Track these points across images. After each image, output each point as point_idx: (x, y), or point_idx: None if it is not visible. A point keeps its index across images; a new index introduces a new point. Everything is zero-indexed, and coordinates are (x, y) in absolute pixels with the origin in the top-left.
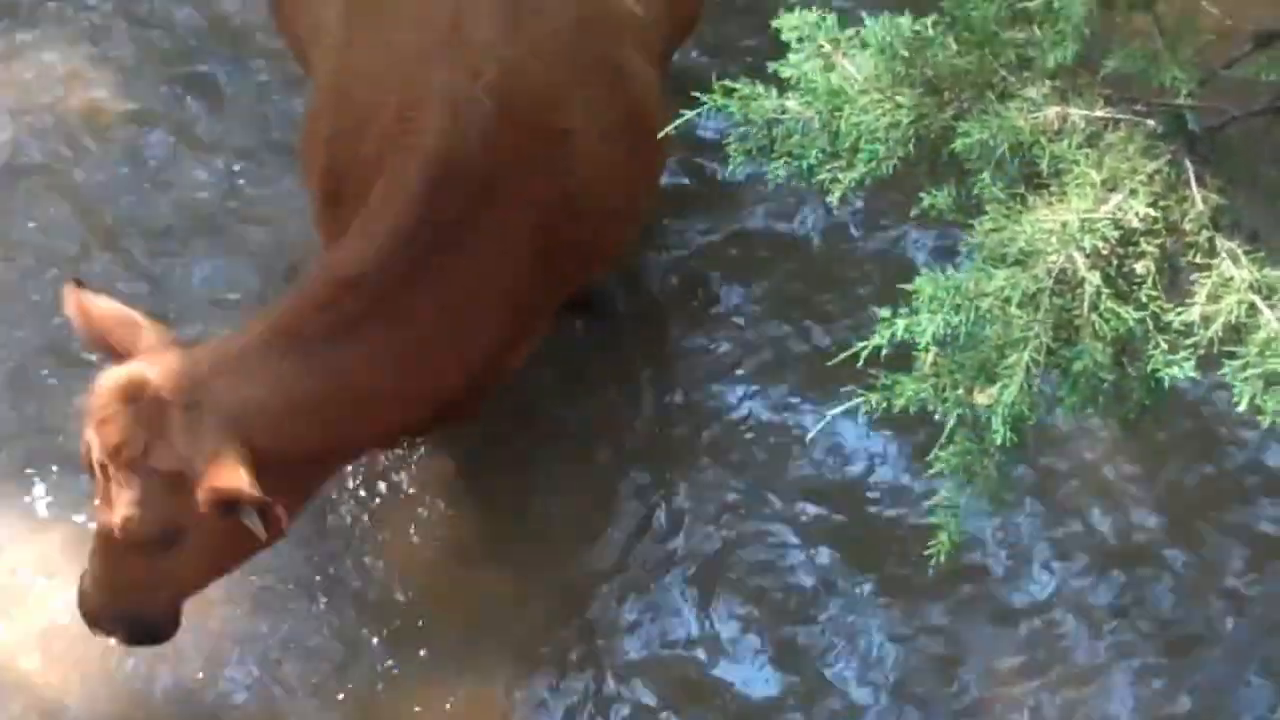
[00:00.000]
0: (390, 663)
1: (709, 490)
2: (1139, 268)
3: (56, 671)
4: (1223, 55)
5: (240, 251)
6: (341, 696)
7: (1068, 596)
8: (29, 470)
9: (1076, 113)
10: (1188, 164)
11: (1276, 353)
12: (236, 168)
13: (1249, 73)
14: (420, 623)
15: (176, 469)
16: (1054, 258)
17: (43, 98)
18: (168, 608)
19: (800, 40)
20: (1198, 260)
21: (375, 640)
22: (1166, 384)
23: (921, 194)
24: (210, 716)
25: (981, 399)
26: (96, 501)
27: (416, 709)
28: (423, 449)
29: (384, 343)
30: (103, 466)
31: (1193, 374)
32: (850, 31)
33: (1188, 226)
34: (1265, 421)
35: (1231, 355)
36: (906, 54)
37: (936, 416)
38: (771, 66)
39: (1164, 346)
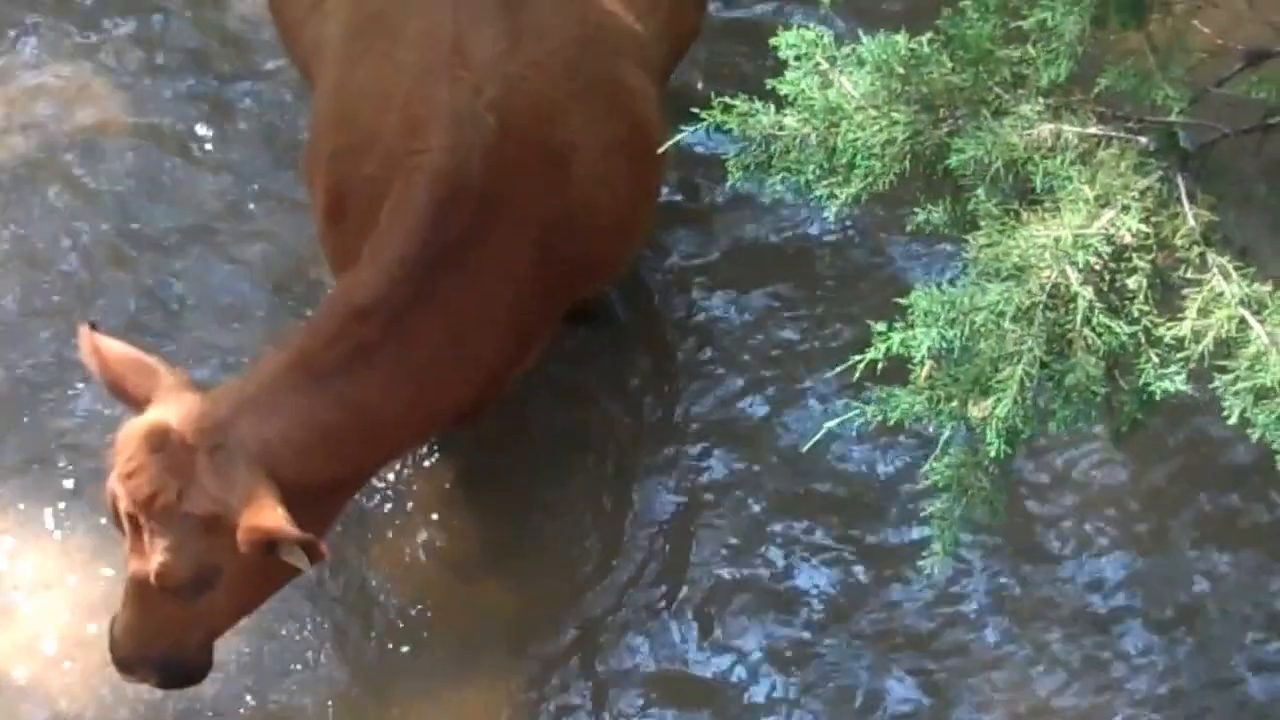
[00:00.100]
0: (389, 674)
1: (708, 501)
2: (1131, 283)
3: (64, 679)
4: (1214, 74)
5: (242, 264)
6: (341, 708)
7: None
8: (33, 476)
9: (1070, 130)
10: (1179, 181)
11: (1266, 367)
12: (241, 182)
13: (1239, 91)
14: (419, 634)
15: (212, 512)
16: (1047, 273)
17: (53, 111)
18: (202, 649)
19: (798, 58)
20: (1189, 276)
21: (375, 652)
22: (1158, 397)
23: (917, 209)
24: None
25: (976, 412)
26: (127, 552)
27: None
28: (423, 462)
29: (396, 367)
30: (131, 517)
31: (1184, 387)
32: (847, 49)
33: (1179, 242)
34: (1255, 435)
35: (1222, 369)
36: (902, 71)
37: (931, 429)
38: (769, 83)
39: (1155, 360)
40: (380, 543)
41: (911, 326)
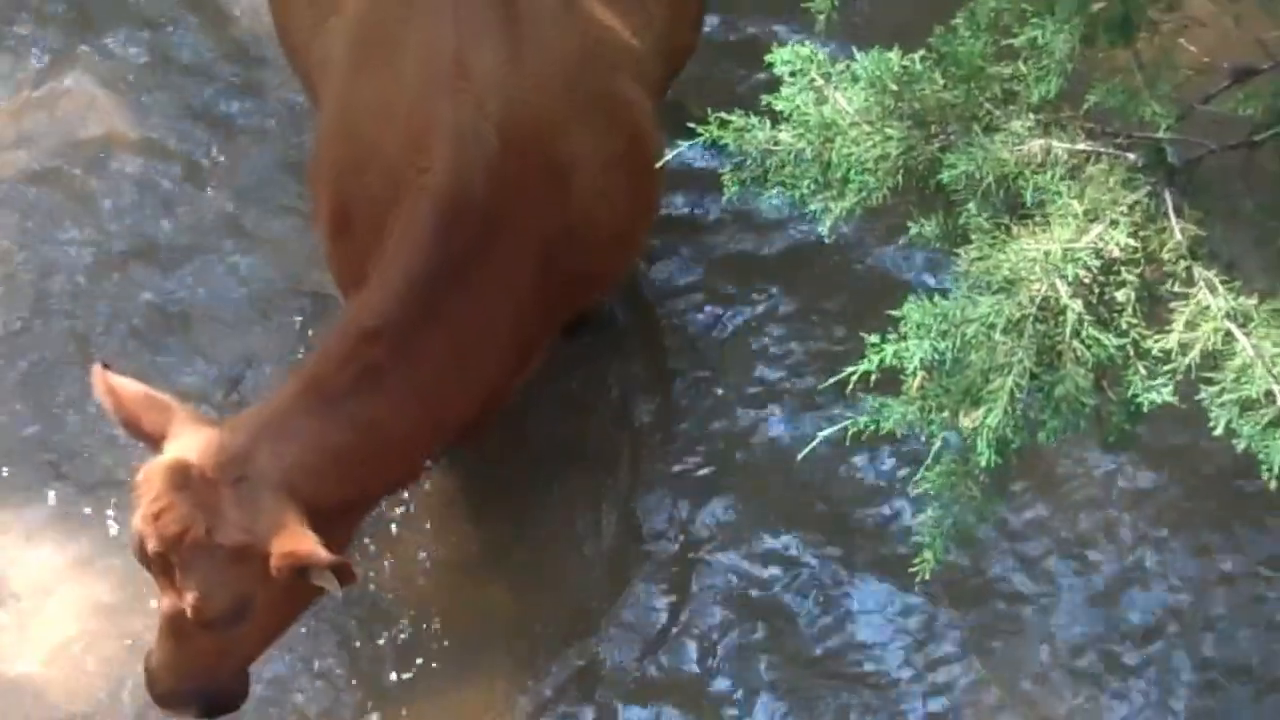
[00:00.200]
0: (395, 677)
1: (707, 509)
2: (1119, 296)
3: (69, 681)
4: (1201, 91)
5: (244, 275)
6: (343, 711)
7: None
8: (42, 482)
9: (1059, 146)
10: (1167, 196)
11: (1251, 379)
12: (244, 195)
13: (1226, 108)
14: (423, 637)
15: (242, 542)
16: (1037, 286)
17: (59, 124)
18: (239, 675)
19: (793, 74)
20: (1176, 289)
21: (377, 657)
22: (1145, 408)
23: (910, 223)
24: None
25: (967, 422)
26: (158, 593)
27: None
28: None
29: (404, 386)
30: (160, 556)
31: (1170, 399)
32: (841, 66)
33: (1166, 256)
34: (1241, 445)
35: (1209, 381)
36: (895, 88)
37: (923, 439)
38: (765, 99)
39: (1143, 372)
40: (383, 548)
41: (904, 338)
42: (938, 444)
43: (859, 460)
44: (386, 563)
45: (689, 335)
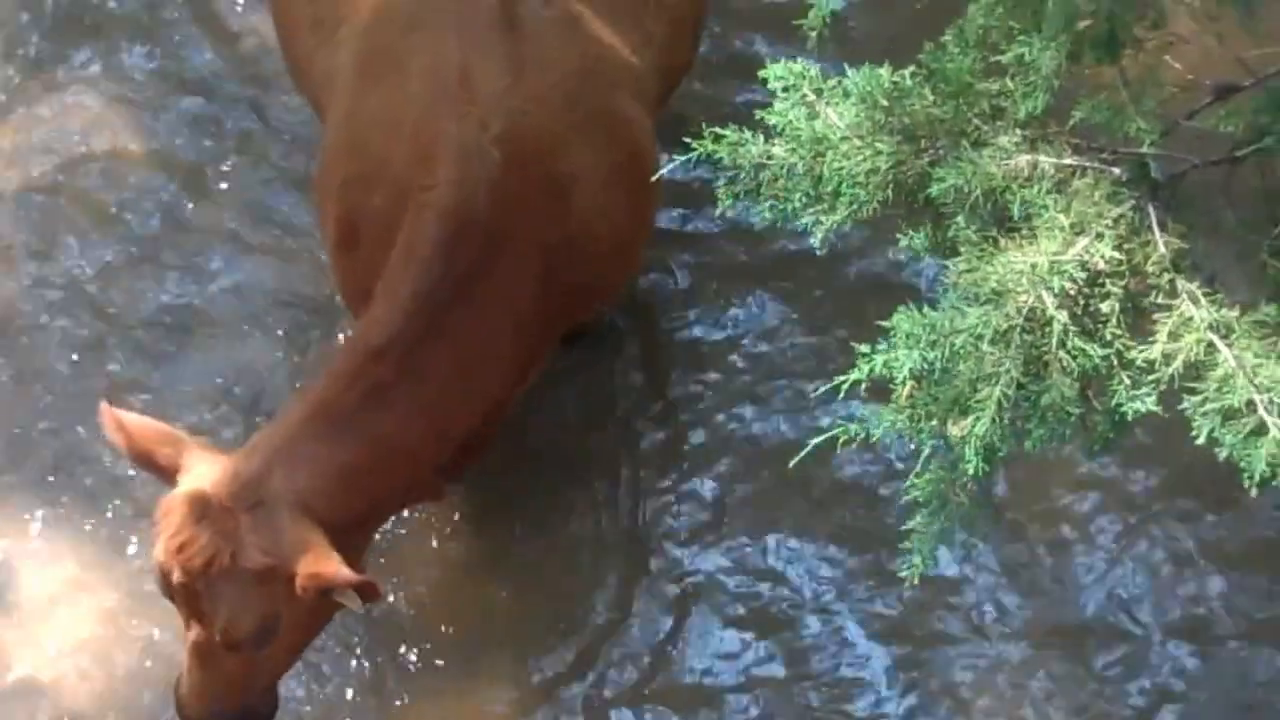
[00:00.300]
0: (392, 680)
1: (707, 514)
2: (1104, 307)
3: (82, 684)
4: (1184, 107)
5: (251, 285)
6: (346, 713)
7: None
8: (50, 484)
9: (1046, 160)
10: (1150, 210)
11: (1233, 389)
12: (252, 207)
13: (1208, 124)
14: (423, 638)
15: (267, 564)
16: (1024, 297)
17: (69, 136)
18: (268, 693)
19: (785, 90)
20: (1159, 301)
21: (380, 656)
22: (1130, 417)
23: (900, 235)
24: None
25: (955, 431)
26: (184, 626)
27: None
28: None
29: (410, 402)
30: (185, 587)
31: (1154, 408)
32: (832, 82)
33: (1150, 269)
34: (1223, 454)
35: (1191, 391)
36: (886, 104)
37: (912, 446)
38: (759, 114)
39: (1127, 382)
40: (385, 553)
41: (894, 348)
42: (926, 451)
43: (863, 466)
44: (386, 562)
45: (689, 343)
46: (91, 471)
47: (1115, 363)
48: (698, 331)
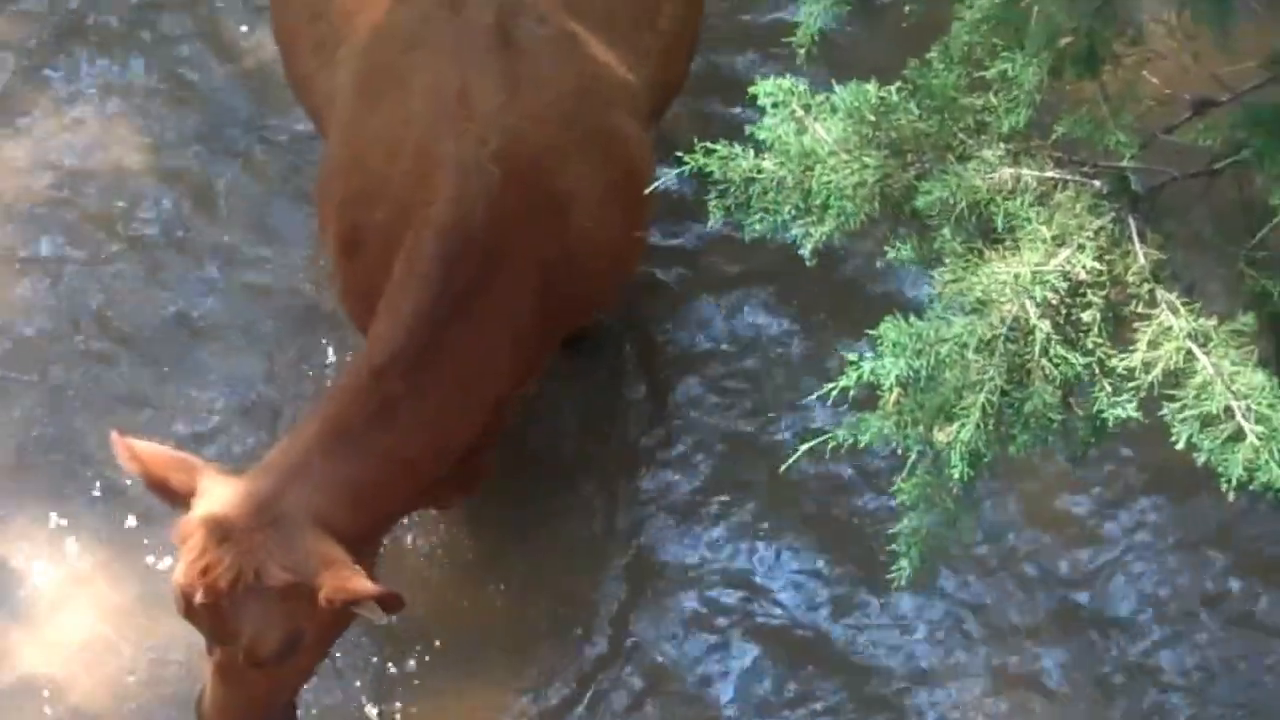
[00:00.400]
0: (393, 682)
1: (705, 517)
2: (1086, 317)
3: (87, 683)
4: (1163, 121)
5: (255, 298)
6: (346, 714)
7: None
8: (58, 484)
9: (1029, 173)
10: (1131, 222)
11: (1211, 396)
12: (256, 222)
13: (1187, 138)
14: (422, 642)
15: (289, 580)
16: (1008, 307)
17: (76, 151)
18: (289, 706)
19: (775, 105)
20: (1139, 310)
21: (380, 657)
22: (1110, 424)
23: (887, 246)
24: None
25: (941, 437)
26: (207, 648)
27: None
28: None
29: (413, 416)
30: (208, 608)
31: (1134, 415)
32: (821, 97)
33: (1130, 279)
34: (1201, 459)
35: (1170, 398)
36: (873, 119)
37: (899, 451)
38: (749, 129)
39: (1108, 389)
40: (385, 554)
41: (881, 356)
42: (913, 457)
43: (864, 471)
44: (387, 564)
45: (683, 349)
46: (99, 477)
47: (1096, 370)
48: (693, 338)
